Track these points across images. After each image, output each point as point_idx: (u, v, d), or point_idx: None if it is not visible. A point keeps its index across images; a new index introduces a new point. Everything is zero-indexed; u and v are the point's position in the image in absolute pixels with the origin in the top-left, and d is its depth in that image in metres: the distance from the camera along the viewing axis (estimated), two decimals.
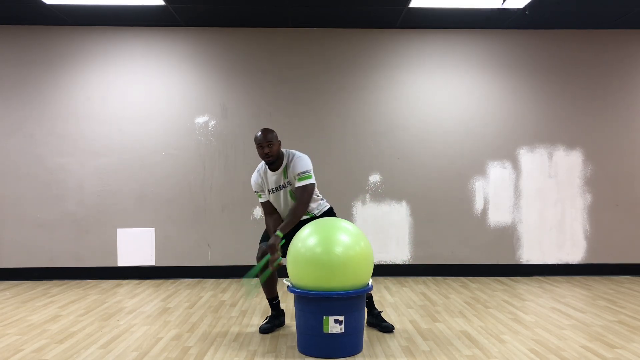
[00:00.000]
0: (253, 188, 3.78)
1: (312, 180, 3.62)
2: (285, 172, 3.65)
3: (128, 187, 5.70)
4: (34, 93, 5.67)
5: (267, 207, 3.76)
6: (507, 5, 5.03)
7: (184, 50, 5.75)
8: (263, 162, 3.73)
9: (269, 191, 3.70)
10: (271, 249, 3.47)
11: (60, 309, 4.41)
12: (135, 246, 5.69)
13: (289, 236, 3.53)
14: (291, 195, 3.67)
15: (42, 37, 5.67)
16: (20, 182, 5.66)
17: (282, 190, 3.67)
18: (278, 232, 3.50)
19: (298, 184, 3.60)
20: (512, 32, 5.82)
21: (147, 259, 5.70)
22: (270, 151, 3.57)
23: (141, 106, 5.72)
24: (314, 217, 3.70)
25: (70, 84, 5.69)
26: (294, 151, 3.70)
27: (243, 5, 5.12)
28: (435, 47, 5.82)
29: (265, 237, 3.77)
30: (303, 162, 3.62)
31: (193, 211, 5.73)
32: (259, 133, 3.61)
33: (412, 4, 5.06)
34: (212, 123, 5.75)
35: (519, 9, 5.17)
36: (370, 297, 3.81)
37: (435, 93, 5.81)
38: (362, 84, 5.78)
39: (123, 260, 5.69)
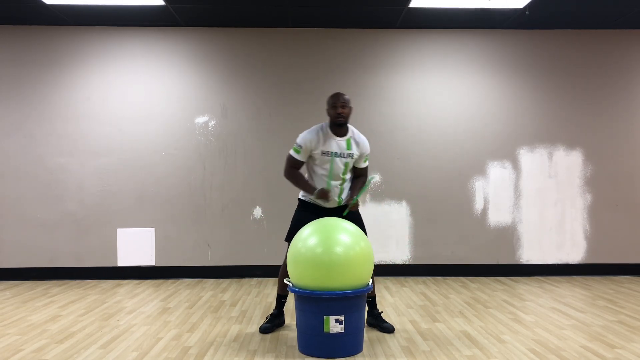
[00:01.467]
0: (300, 142, 3.63)
1: None
2: (349, 143, 3.65)
3: (128, 187, 5.70)
4: (34, 93, 5.67)
5: (298, 164, 3.68)
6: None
7: (184, 50, 5.75)
8: (324, 124, 3.68)
9: (323, 152, 3.61)
10: (327, 197, 3.57)
11: (60, 309, 4.41)
12: (135, 246, 5.69)
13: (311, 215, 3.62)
14: (346, 167, 3.66)
15: (42, 37, 5.67)
16: (20, 182, 5.66)
17: (339, 158, 3.63)
18: (355, 199, 3.63)
19: (363, 164, 3.75)
20: (512, 32, 5.82)
21: (147, 259, 5.70)
22: (344, 112, 3.58)
23: (141, 106, 5.72)
24: (341, 206, 3.72)
25: (70, 84, 5.69)
26: (354, 128, 3.76)
27: (243, 5, 5.12)
28: (435, 47, 5.82)
29: (292, 234, 3.64)
30: (368, 143, 3.75)
31: (193, 211, 5.73)
32: (335, 94, 3.64)
33: (412, 4, 5.06)
34: (212, 123, 5.75)
35: (519, 9, 5.17)
36: (373, 298, 3.81)
37: (435, 93, 5.81)
38: (362, 84, 5.78)
39: (123, 260, 5.69)
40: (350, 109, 3.64)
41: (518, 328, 3.78)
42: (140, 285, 5.41)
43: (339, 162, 3.64)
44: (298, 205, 3.79)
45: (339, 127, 3.62)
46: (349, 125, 3.69)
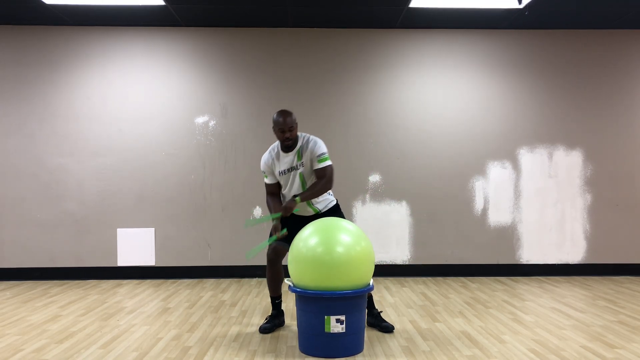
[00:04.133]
0: (261, 167, 3.74)
1: (330, 162, 3.65)
2: (299, 154, 3.63)
3: (128, 187, 5.70)
4: (34, 93, 5.67)
5: (272, 188, 3.75)
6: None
7: (184, 50, 5.75)
8: (277, 143, 3.71)
9: (280, 172, 3.66)
10: (286, 210, 3.53)
11: (60, 309, 4.41)
12: (135, 246, 5.68)
13: (291, 230, 3.56)
14: (301, 178, 3.65)
15: (42, 37, 5.67)
16: (20, 182, 5.66)
17: (292, 172, 3.65)
18: (297, 198, 3.53)
19: (318, 165, 3.62)
20: (512, 32, 5.82)
21: (147, 259, 5.70)
22: (291, 135, 3.57)
23: (141, 106, 5.72)
24: (318, 214, 3.69)
25: (70, 84, 5.69)
26: (307, 134, 3.71)
27: (243, 5, 5.12)
28: (435, 47, 5.82)
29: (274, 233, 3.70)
30: (321, 144, 3.65)
31: (193, 211, 5.73)
32: (279, 117, 3.57)
33: (412, 4, 5.06)
34: (212, 123, 5.75)
35: (519, 9, 5.17)
36: (370, 297, 3.81)
37: (435, 93, 5.81)
38: (362, 83, 5.78)
39: (123, 260, 5.69)
40: (296, 127, 3.60)
41: (518, 328, 3.78)
42: (140, 285, 5.41)
43: (294, 176, 3.66)
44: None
45: (287, 147, 3.64)
46: (298, 134, 3.67)
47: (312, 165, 3.63)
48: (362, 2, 5.03)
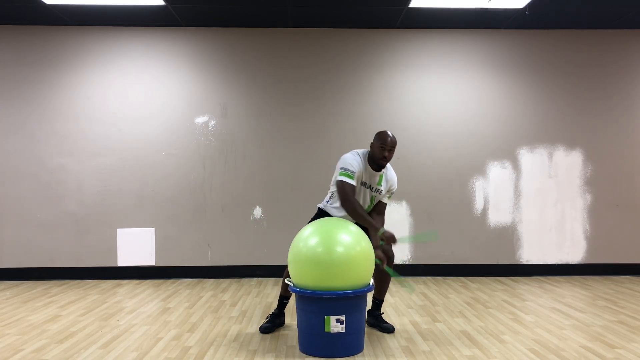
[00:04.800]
0: (353, 168, 3.49)
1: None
2: (381, 179, 3.62)
3: (128, 187, 5.70)
4: (34, 93, 5.67)
5: (354, 190, 3.53)
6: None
7: (184, 50, 5.75)
8: (363, 153, 3.61)
9: (361, 182, 3.59)
10: (393, 239, 3.44)
11: (60, 309, 4.41)
12: (135, 246, 5.68)
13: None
14: (372, 201, 3.65)
15: (42, 37, 5.67)
16: (20, 182, 5.66)
17: (369, 190, 3.62)
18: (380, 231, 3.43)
19: (387, 200, 3.72)
20: (512, 32, 5.82)
21: (147, 259, 5.70)
22: (389, 156, 3.53)
23: (141, 106, 5.72)
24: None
25: (70, 84, 5.69)
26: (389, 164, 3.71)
27: (243, 5, 5.12)
28: (435, 47, 5.82)
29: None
30: (396, 181, 3.73)
31: (193, 211, 5.73)
32: (387, 135, 3.52)
33: (412, 4, 5.06)
34: (212, 123, 5.75)
35: (519, 9, 5.17)
36: (380, 301, 3.80)
37: (435, 93, 5.81)
38: (362, 84, 5.78)
39: (123, 260, 5.69)
40: (393, 151, 3.57)
41: (518, 328, 3.78)
42: (140, 285, 5.41)
43: (368, 194, 3.63)
44: (316, 214, 3.75)
45: (378, 166, 3.58)
46: None
47: (382, 196, 3.66)
48: (362, 2, 5.03)
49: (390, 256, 3.58)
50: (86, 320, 4.04)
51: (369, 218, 3.45)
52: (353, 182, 3.49)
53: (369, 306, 3.78)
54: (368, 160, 3.59)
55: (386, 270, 3.50)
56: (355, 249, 3.18)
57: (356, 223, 3.48)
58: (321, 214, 3.72)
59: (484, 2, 4.97)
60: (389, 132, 3.57)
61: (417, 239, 3.72)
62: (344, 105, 5.77)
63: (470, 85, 5.82)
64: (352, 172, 3.49)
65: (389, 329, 3.69)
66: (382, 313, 3.91)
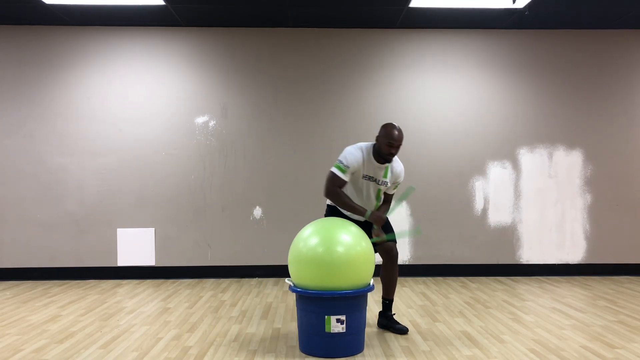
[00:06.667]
0: (348, 162, 3.49)
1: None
2: (387, 171, 3.60)
3: (128, 187, 5.70)
4: (34, 93, 5.67)
5: (342, 183, 3.53)
6: (517, 5, 5.02)
7: (184, 50, 5.74)
8: (368, 146, 3.58)
9: (363, 176, 3.57)
10: (382, 220, 3.55)
11: (60, 309, 4.41)
12: (135, 246, 5.68)
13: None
14: (378, 193, 3.65)
15: (42, 37, 5.67)
16: (20, 182, 5.66)
17: (373, 183, 3.60)
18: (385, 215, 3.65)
19: (393, 190, 3.74)
20: (512, 32, 5.82)
21: (147, 259, 5.70)
22: (396, 152, 3.53)
23: (141, 106, 5.72)
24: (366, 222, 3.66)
25: (70, 84, 5.69)
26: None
27: (243, 5, 5.12)
28: (435, 47, 5.82)
29: (331, 215, 3.69)
30: (403, 172, 3.73)
31: (193, 211, 5.73)
32: (395, 131, 3.47)
33: (412, 4, 5.06)
34: (212, 123, 5.75)
35: (519, 9, 5.17)
36: (390, 301, 3.78)
37: (435, 93, 5.81)
38: (362, 84, 5.78)
39: (123, 260, 5.69)
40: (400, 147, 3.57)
41: (518, 328, 3.78)
42: (140, 285, 5.41)
43: (372, 187, 3.62)
44: (326, 213, 3.75)
45: (384, 160, 3.56)
46: None
47: (389, 187, 3.68)
48: (362, 2, 5.03)
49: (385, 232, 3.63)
50: (86, 320, 4.04)
51: (354, 204, 3.52)
52: (343, 177, 3.50)
53: (379, 308, 3.78)
54: (373, 154, 3.55)
55: (388, 240, 3.60)
56: (356, 249, 3.18)
57: (355, 222, 3.50)
58: (331, 211, 3.72)
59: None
60: (396, 126, 3.52)
61: (401, 235, 3.80)
62: (344, 105, 5.77)
63: (470, 85, 5.82)
64: (346, 166, 3.50)
65: (402, 330, 3.66)
66: (394, 314, 3.87)
